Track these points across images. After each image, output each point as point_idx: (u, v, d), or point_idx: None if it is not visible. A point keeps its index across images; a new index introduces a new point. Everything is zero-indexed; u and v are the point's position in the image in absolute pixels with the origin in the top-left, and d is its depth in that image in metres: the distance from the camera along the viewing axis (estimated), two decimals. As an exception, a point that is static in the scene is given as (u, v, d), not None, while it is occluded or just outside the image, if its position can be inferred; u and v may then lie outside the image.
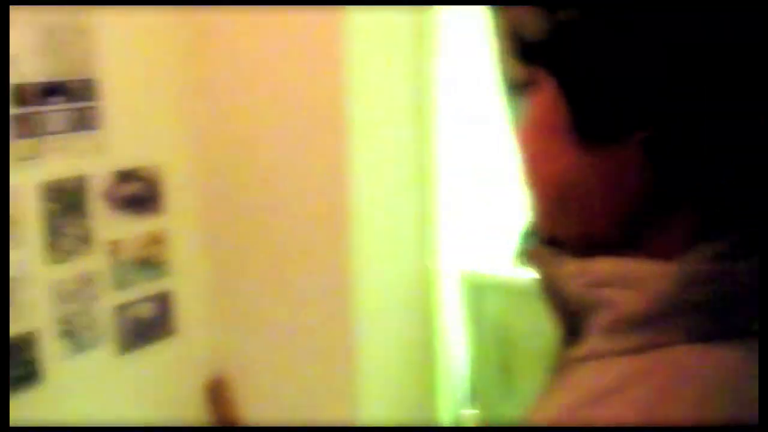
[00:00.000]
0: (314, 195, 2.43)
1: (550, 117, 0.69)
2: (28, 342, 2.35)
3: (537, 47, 0.68)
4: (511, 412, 2.68)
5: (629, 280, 0.67)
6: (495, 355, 2.73)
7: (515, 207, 2.54)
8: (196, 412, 2.84)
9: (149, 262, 2.64)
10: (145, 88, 2.55)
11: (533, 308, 2.52)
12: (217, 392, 2.88)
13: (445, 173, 2.59)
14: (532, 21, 0.67)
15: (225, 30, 2.58)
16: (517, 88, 0.73)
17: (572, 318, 0.72)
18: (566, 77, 0.67)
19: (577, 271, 0.70)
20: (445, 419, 2.78)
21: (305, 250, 2.51)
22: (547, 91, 0.69)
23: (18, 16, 2.22)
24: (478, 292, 2.70)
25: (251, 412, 2.84)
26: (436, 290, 2.67)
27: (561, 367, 0.74)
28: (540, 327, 2.57)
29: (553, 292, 0.74)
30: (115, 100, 2.47)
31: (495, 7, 0.73)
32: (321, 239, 2.46)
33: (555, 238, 0.76)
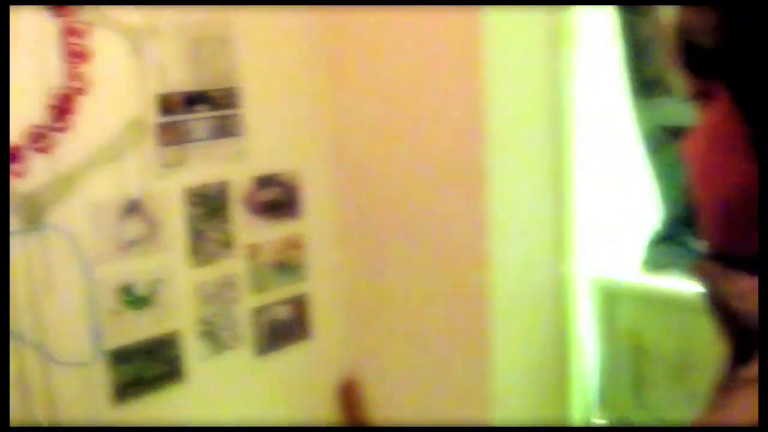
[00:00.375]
0: (450, 199, 2.42)
1: (725, 130, 0.66)
2: (172, 341, 2.41)
3: (710, 58, 0.64)
4: (641, 422, 2.61)
5: None
6: (627, 364, 2.66)
7: (647, 213, 2.47)
8: (327, 414, 2.87)
9: (286, 266, 2.67)
10: (283, 96, 2.59)
11: (666, 317, 2.45)
12: (349, 394, 2.90)
13: (581, 177, 2.54)
14: (704, 25, 0.63)
15: (361, 36, 2.60)
16: (690, 98, 0.69)
17: (743, 336, 0.68)
18: (741, 90, 0.63)
19: (752, 289, 0.67)
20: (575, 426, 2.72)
21: (441, 254, 2.50)
22: (721, 102, 0.65)
23: (165, 27, 2.28)
24: (611, 299, 2.64)
25: (382, 415, 2.85)
26: (570, 296, 2.61)
27: (727, 385, 0.71)
28: (673, 336, 2.50)
29: (722, 308, 0.71)
30: (255, 107, 2.52)
31: (665, 7, 0.69)
32: (456, 244, 2.44)
33: (725, 253, 0.72)
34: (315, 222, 2.74)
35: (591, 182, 2.61)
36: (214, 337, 2.52)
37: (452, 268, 2.49)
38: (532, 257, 2.54)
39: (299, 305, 2.75)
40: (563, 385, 2.69)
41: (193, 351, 2.48)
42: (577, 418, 2.71)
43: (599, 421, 2.73)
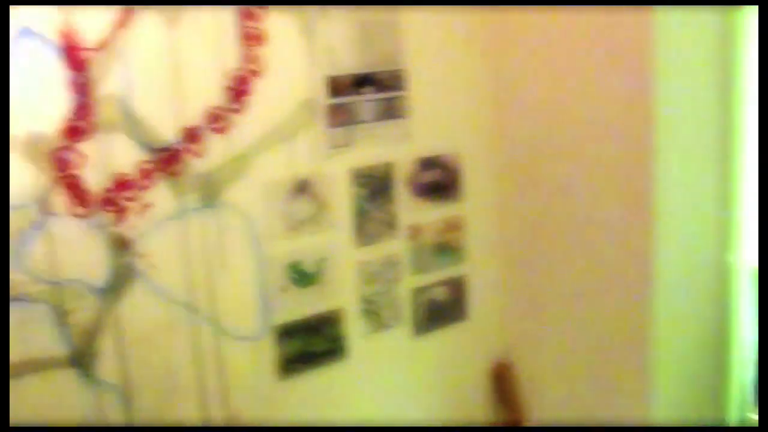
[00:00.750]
0: (615, 187, 2.35)
1: None
2: (336, 319, 2.45)
3: None
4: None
5: None
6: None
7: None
8: (481, 394, 2.85)
9: (446, 248, 2.67)
10: (447, 80, 2.58)
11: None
12: (502, 376, 2.88)
13: (750, 168, 2.42)
14: None
15: (525, 24, 2.55)
16: None
17: None
18: None
19: None
20: (731, 421, 2.61)
21: (602, 241, 2.44)
22: None
23: (335, 10, 2.29)
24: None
25: (534, 398, 2.81)
26: (732, 286, 2.50)
27: None
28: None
29: None
30: (420, 90, 2.52)
31: None
32: (619, 231, 2.38)
33: None
34: (475, 204, 2.72)
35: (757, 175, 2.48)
36: (375, 315, 2.54)
37: (613, 256, 2.43)
38: (696, 247, 2.44)
39: (457, 287, 2.74)
40: (722, 379, 2.59)
41: (354, 329, 2.51)
42: (733, 413, 2.60)
43: (754, 416, 2.61)
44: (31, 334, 1.98)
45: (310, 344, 2.42)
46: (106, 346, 2.09)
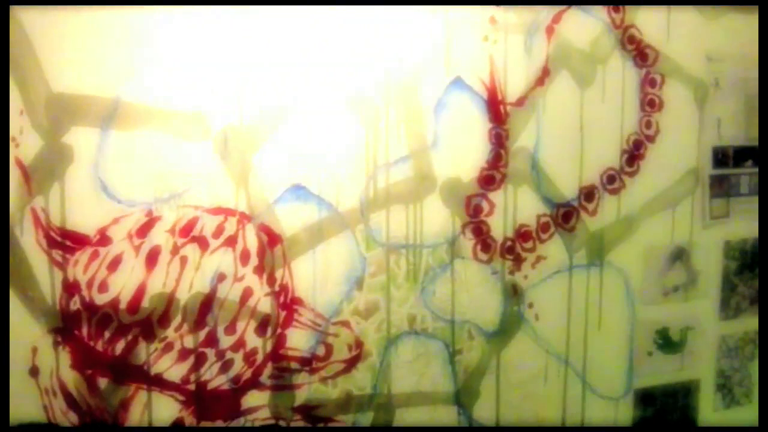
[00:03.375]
0: None
1: None
2: (691, 390, 2.32)
3: None
4: None
5: None
6: None
7: None
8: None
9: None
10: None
11: None
12: None
13: None
14: None
15: None
16: None
17: None
18: None
19: None
20: None
21: None
22: None
23: (726, 82, 2.17)
24: None
25: None
26: None
27: None
28: None
29: None
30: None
31: None
32: None
33: None
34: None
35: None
36: (727, 391, 2.34)
37: None
38: None
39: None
40: None
41: (706, 401, 2.33)
42: None
43: None
44: (425, 369, 1.95)
45: (664, 411, 2.25)
46: (486, 388, 2.02)
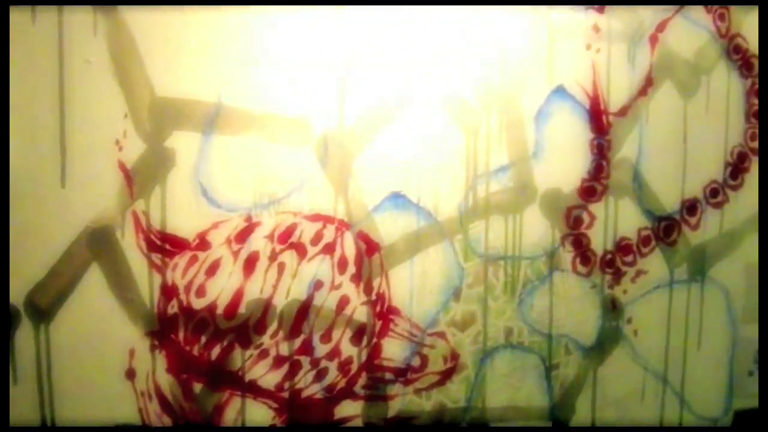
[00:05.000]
0: None
1: None
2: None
3: None
4: None
5: None
6: None
7: None
8: None
9: None
10: None
11: None
12: None
13: None
14: None
15: None
16: None
17: None
18: None
19: None
20: None
21: None
22: None
23: None
24: None
25: None
26: None
27: None
28: None
29: None
30: None
31: None
32: None
33: None
34: None
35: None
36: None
37: None
38: None
39: None
40: None
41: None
42: None
43: None
44: (521, 383, 1.82)
45: (763, 435, 2.08)
46: (582, 404, 1.88)
